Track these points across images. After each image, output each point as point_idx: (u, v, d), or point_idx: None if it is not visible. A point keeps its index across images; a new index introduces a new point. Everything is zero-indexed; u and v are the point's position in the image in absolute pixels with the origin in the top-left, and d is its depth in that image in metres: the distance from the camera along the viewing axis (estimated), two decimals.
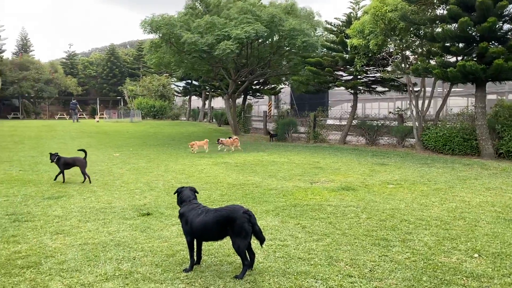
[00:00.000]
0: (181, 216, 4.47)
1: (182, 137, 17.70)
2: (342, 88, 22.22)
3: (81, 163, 9.54)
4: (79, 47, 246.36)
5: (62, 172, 9.49)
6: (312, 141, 19.91)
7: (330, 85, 20.07)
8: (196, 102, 45.04)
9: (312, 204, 7.29)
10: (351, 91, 19.71)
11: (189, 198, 4.58)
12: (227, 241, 5.30)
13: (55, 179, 9.61)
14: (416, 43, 16.25)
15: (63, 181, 9.46)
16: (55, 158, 9.43)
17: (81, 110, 42.53)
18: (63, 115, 50.24)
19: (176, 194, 4.73)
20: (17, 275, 4.28)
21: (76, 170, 10.27)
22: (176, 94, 44.60)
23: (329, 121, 21.98)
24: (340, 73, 19.64)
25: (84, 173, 9.49)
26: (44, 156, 14.25)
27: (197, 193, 4.82)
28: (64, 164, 9.48)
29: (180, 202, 4.60)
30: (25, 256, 4.82)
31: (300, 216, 6.51)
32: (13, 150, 15.89)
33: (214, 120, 35.52)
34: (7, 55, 68.93)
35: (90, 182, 9.36)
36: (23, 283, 4.10)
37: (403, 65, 16.33)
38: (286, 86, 29.84)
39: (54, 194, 8.15)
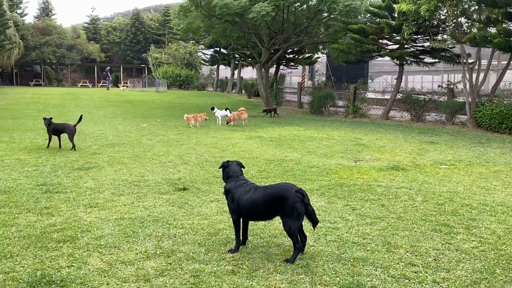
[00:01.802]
0: (227, 192, 4.37)
1: (205, 106, 17.67)
2: (384, 59, 21.54)
3: (70, 130, 9.92)
4: (102, 12, 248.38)
5: (50, 137, 10.02)
6: (352, 115, 19.54)
7: (373, 54, 19.47)
8: (224, 72, 44.81)
9: (359, 184, 7.13)
10: (396, 62, 19.06)
11: (236, 173, 4.47)
12: (272, 221, 5.20)
13: (47, 146, 10.04)
14: (473, 9, 15.41)
15: (47, 146, 10.01)
16: (47, 123, 9.94)
17: (110, 77, 43.04)
18: (86, 83, 51.10)
19: (221, 168, 4.61)
20: (54, 249, 4.30)
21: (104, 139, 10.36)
22: (203, 62, 44.44)
23: (370, 95, 21.45)
24: (385, 41, 18.97)
25: (71, 140, 9.87)
26: None
27: (243, 167, 4.70)
28: (53, 130, 9.96)
29: (227, 177, 4.49)
30: (60, 230, 4.85)
31: (348, 197, 6.36)
32: (37, 119, 16.21)
33: (243, 91, 35.32)
34: (29, 19, 70.16)
35: (74, 150, 9.70)
36: (61, 258, 4.10)
37: (456, 33, 15.56)
38: (323, 55, 29.16)
39: (84, 165, 8.24)
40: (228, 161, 4.68)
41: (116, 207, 5.73)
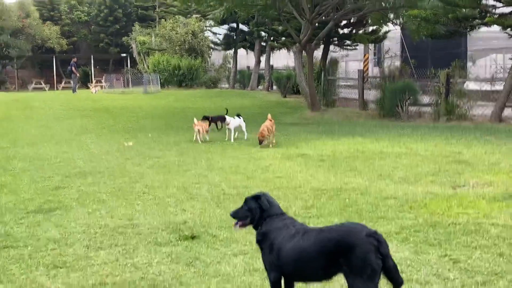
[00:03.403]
0: (263, 238, 4.39)
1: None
2: (491, 29, 21.27)
3: None
4: None
5: None
6: (444, 117, 19.35)
7: (474, 23, 19.31)
8: (244, 59, 45.19)
9: (462, 222, 7.06)
10: (511, 33, 18.86)
11: (277, 210, 4.52)
12: (331, 282, 5.16)
13: None
14: None
15: None
16: None
17: (77, 74, 43.89)
18: (40, 84, 52.42)
19: (249, 206, 4.60)
20: None
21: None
22: (214, 46, 44.99)
23: (471, 85, 21.19)
24: (492, 2, 18.82)
25: None
26: (19, 147, 14.87)
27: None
28: None
29: (261, 217, 4.48)
30: None
31: (446, 243, 6.29)
32: None
33: (274, 86, 35.48)
34: None
35: None
36: None
37: None
38: (396, 28, 29.09)
39: (42, 206, 8.38)
40: (261, 192, 4.70)
41: (93, 267, 5.77)
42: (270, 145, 14.30)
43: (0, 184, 10.03)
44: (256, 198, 4.61)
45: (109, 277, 5.49)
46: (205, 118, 17.23)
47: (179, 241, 6.55)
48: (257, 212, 4.54)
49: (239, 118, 16.04)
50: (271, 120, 14.74)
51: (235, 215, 4.66)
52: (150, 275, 5.53)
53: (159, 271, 5.61)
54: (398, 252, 6.00)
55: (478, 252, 5.96)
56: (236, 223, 4.66)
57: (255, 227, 4.55)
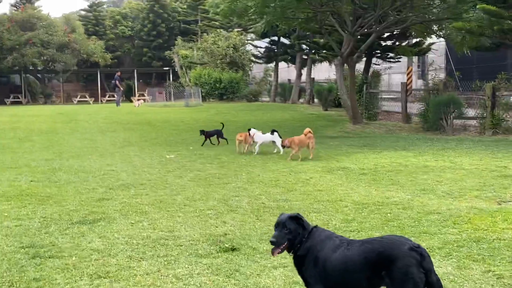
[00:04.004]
0: (307, 252, 4.42)
1: (267, 128, 17.80)
2: None
3: None
4: None
5: None
6: (490, 131, 19.13)
7: None
8: (286, 72, 45.38)
9: (507, 238, 7.00)
10: None
11: (310, 225, 4.57)
12: None
13: None
14: None
15: None
16: None
17: (121, 88, 44.72)
18: (85, 97, 53.52)
19: (293, 221, 4.60)
20: None
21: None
22: (255, 60, 45.31)
23: None
24: None
25: None
26: (64, 159, 15.21)
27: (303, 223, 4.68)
28: None
29: (302, 236, 4.50)
30: None
31: (490, 259, 6.25)
32: (18, 151, 17.13)
33: (315, 99, 35.50)
34: (3, 8, 74.43)
35: None
36: None
37: None
38: (440, 40, 28.86)
39: (86, 217, 8.58)
40: (296, 213, 4.68)
41: (136, 277, 5.91)
42: (310, 156, 14.38)
43: (46, 196, 10.28)
44: (295, 218, 4.57)
45: (151, 287, 5.60)
46: (202, 132, 17.80)
47: (219, 253, 6.64)
48: (298, 233, 4.51)
49: (273, 134, 15.81)
50: (305, 135, 14.65)
51: (276, 241, 4.50)
52: (191, 286, 5.63)
53: (200, 283, 5.70)
54: (440, 267, 5.99)
55: None
56: (275, 249, 4.53)
57: (289, 250, 4.52)
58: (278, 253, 4.54)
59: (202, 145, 17.53)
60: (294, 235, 4.47)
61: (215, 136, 17.98)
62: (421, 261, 4.04)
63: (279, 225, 4.51)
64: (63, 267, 6.29)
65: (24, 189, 10.99)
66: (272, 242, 4.50)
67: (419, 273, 4.02)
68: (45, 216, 8.68)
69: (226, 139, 18.03)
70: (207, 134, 17.67)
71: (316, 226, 4.56)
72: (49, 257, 6.63)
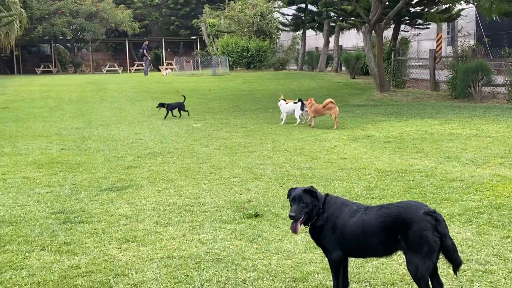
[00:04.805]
0: (326, 222, 4.50)
1: (293, 97, 17.84)
2: None
3: None
4: None
5: None
6: None
7: None
8: (313, 40, 45.05)
9: None
10: None
11: (323, 195, 4.64)
12: (390, 261, 5.31)
13: None
14: None
15: None
16: None
17: (149, 57, 44.92)
18: (114, 67, 53.96)
19: (308, 194, 4.61)
20: None
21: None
22: (282, 28, 45.00)
23: None
24: None
25: None
26: (93, 128, 15.53)
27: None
28: None
29: (318, 208, 4.55)
30: (86, 274, 5.33)
31: (509, 225, 6.34)
32: (48, 120, 17.52)
33: (343, 67, 35.32)
34: None
35: None
36: None
37: None
38: (470, 6, 28.38)
39: (115, 184, 8.83)
40: (309, 186, 4.72)
41: (162, 241, 6.13)
42: (335, 125, 14.44)
43: (76, 163, 10.57)
44: (309, 192, 4.57)
45: (176, 251, 5.82)
46: (161, 105, 17.77)
47: (243, 219, 6.82)
48: (314, 205, 4.54)
49: (297, 103, 15.71)
50: (324, 106, 14.75)
51: (295, 214, 4.50)
52: (215, 250, 5.82)
53: (223, 247, 5.89)
54: (460, 233, 6.10)
55: None
56: (297, 225, 4.53)
57: (306, 223, 4.56)
58: (299, 228, 4.55)
59: (164, 118, 17.36)
60: (311, 208, 4.51)
61: (177, 108, 17.95)
62: (436, 225, 4.13)
63: (295, 199, 4.54)
64: (93, 231, 6.54)
65: (55, 157, 11.30)
66: (291, 217, 4.51)
67: (434, 237, 4.12)
68: (75, 183, 8.95)
69: (187, 111, 17.94)
70: (169, 107, 17.68)
71: (327, 194, 4.63)
72: (79, 222, 6.88)
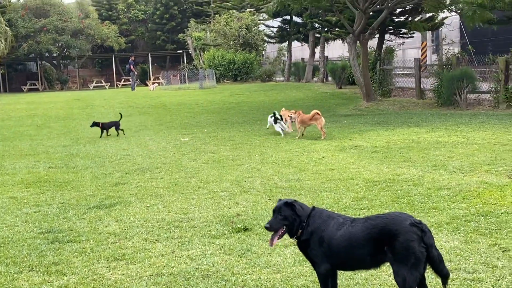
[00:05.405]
0: (311, 235, 4.51)
1: (281, 108, 17.86)
2: None
3: None
4: None
5: None
6: (504, 105, 19.01)
7: None
8: (299, 51, 45.26)
9: None
10: None
11: (309, 208, 4.66)
12: (379, 272, 5.31)
13: None
14: None
15: None
16: None
17: (135, 72, 44.85)
18: (101, 82, 53.96)
19: (288, 207, 4.63)
20: None
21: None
22: (268, 40, 45.21)
23: None
24: None
25: None
26: (81, 145, 15.47)
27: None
28: None
29: (300, 222, 4.56)
30: None
31: (497, 233, 6.34)
32: (35, 138, 17.42)
33: (329, 78, 35.45)
34: None
35: None
36: None
37: None
38: (453, 14, 28.61)
39: (103, 201, 8.79)
40: (293, 199, 4.73)
41: (151, 258, 6.11)
42: (322, 136, 14.47)
43: (64, 181, 10.51)
44: (290, 205, 4.58)
45: (166, 268, 5.80)
46: (95, 124, 17.29)
47: (232, 234, 6.80)
48: (294, 218, 4.54)
49: (272, 117, 15.92)
50: (310, 118, 14.89)
51: (271, 226, 4.57)
52: (204, 266, 5.80)
53: (213, 262, 5.88)
54: (448, 242, 6.11)
55: None
56: (273, 238, 4.59)
57: (292, 235, 4.58)
58: (278, 239, 4.58)
59: (100, 137, 16.94)
60: (290, 221, 4.52)
61: (114, 127, 17.52)
62: (422, 236, 4.15)
63: (275, 211, 4.59)
64: (81, 250, 6.50)
65: (43, 175, 11.23)
66: (266, 228, 4.59)
67: (420, 248, 4.14)
68: (63, 202, 8.91)
69: (122, 130, 17.54)
70: (104, 126, 17.25)
71: (314, 208, 4.64)
72: (68, 242, 6.84)
